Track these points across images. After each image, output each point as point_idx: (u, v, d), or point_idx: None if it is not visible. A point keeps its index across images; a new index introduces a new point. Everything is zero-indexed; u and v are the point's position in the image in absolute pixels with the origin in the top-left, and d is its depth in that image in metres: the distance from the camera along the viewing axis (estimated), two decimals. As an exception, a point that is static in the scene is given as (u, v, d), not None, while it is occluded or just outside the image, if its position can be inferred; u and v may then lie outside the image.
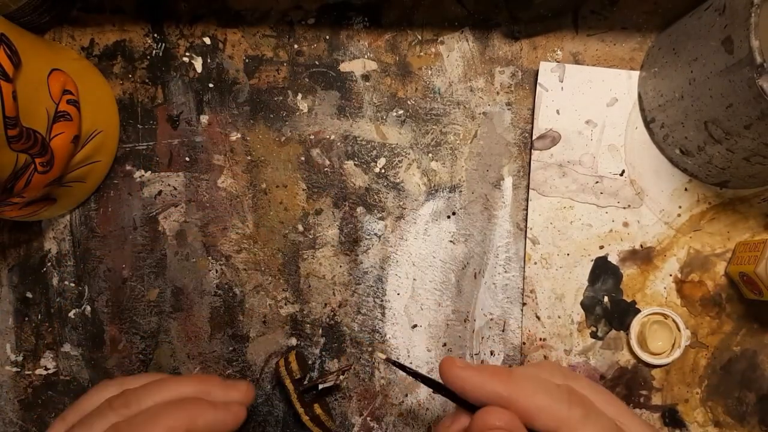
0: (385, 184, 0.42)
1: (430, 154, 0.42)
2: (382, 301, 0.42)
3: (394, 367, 0.40)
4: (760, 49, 0.29)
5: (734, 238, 0.40)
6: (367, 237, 0.42)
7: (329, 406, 0.42)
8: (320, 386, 0.39)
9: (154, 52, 0.43)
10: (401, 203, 0.42)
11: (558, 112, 0.41)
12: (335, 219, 0.42)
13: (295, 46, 0.42)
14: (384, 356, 0.35)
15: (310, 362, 0.42)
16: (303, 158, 0.42)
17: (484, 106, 0.42)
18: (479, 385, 0.31)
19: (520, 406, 0.30)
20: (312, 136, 0.42)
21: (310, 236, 0.42)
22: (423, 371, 0.41)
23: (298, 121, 0.42)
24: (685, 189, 0.41)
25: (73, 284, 0.42)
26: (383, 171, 0.42)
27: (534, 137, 0.41)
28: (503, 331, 0.41)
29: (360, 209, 0.42)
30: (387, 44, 0.42)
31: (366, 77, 0.42)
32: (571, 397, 0.31)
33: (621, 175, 0.41)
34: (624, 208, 0.41)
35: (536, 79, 0.41)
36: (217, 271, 0.42)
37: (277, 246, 0.42)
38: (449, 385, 0.32)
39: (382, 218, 0.42)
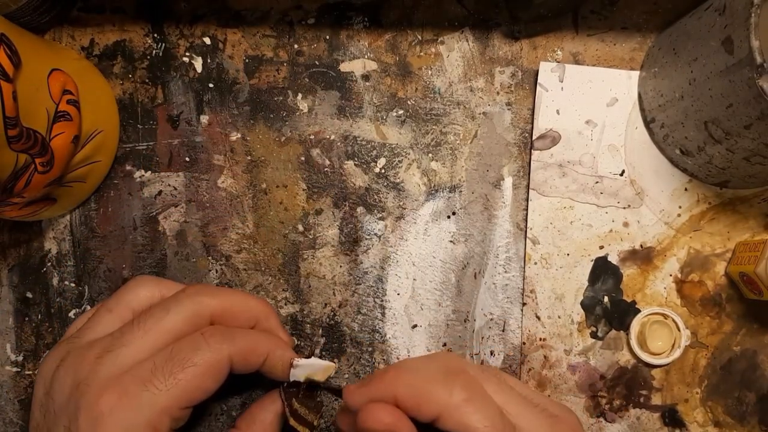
0: (385, 184, 0.42)
1: (430, 154, 0.42)
2: (382, 301, 0.42)
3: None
4: (760, 49, 0.29)
5: (734, 238, 0.40)
6: (367, 237, 0.42)
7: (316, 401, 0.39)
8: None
9: (154, 52, 0.43)
10: (401, 203, 0.42)
11: (558, 112, 0.41)
12: (335, 219, 0.42)
13: (295, 46, 0.42)
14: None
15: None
16: (303, 158, 0.42)
17: (484, 106, 0.42)
18: (372, 395, 0.30)
19: (400, 398, 0.29)
20: (312, 136, 0.42)
21: (310, 236, 0.42)
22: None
23: (298, 121, 0.42)
24: (685, 189, 0.41)
25: (73, 284, 0.42)
26: (383, 171, 0.42)
27: (534, 137, 0.41)
28: (503, 331, 0.41)
29: (360, 209, 0.42)
30: (387, 44, 0.42)
31: (366, 77, 0.42)
32: (453, 381, 0.29)
33: (621, 175, 0.41)
34: (624, 208, 0.41)
35: (536, 79, 0.41)
36: (217, 271, 0.42)
37: (277, 246, 0.42)
38: (356, 409, 0.30)
39: (382, 218, 0.42)
